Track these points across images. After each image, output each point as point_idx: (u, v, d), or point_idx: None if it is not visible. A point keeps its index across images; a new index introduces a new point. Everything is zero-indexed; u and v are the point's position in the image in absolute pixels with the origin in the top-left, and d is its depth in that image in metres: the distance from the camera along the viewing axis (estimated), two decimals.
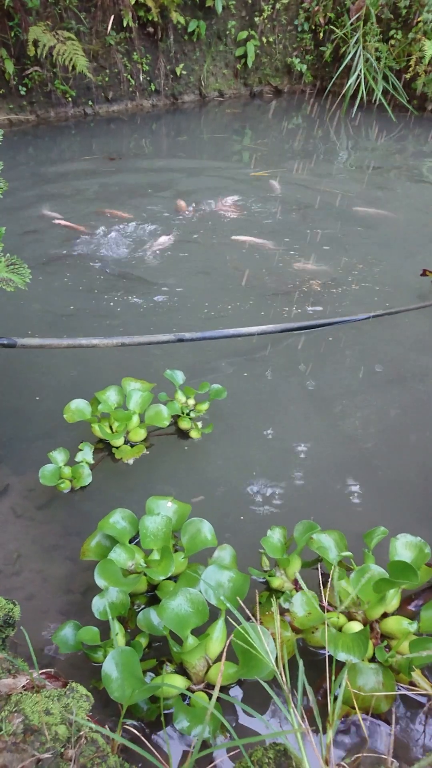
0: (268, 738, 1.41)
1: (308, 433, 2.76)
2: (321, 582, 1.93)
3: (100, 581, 1.81)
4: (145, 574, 1.92)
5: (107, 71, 8.51)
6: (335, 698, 1.24)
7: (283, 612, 1.88)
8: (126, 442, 2.68)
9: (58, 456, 2.44)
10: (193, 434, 2.73)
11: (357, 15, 8.77)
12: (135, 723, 1.62)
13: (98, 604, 1.77)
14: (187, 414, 2.77)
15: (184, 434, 2.75)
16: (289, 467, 2.58)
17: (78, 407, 2.56)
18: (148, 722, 1.63)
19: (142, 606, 1.95)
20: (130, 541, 2.03)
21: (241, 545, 2.09)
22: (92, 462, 2.51)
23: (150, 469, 2.55)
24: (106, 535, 2.02)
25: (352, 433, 2.77)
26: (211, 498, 2.42)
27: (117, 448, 2.63)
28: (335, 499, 2.42)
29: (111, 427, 2.65)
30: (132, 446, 2.66)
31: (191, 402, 2.84)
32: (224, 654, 1.39)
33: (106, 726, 1.41)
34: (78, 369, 3.17)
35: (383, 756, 1.25)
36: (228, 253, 4.48)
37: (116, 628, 1.70)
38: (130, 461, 2.59)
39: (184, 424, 2.75)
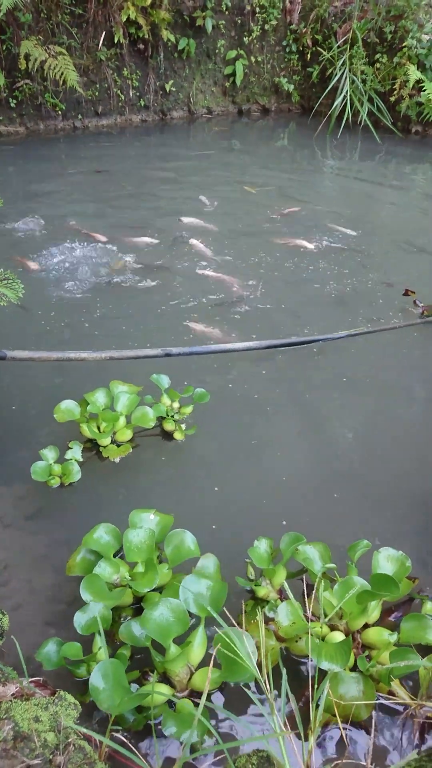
0: (253, 742, 1.45)
1: (291, 446, 2.82)
2: (305, 592, 1.97)
3: (85, 596, 1.83)
4: (130, 587, 1.95)
5: (97, 86, 8.61)
6: (317, 705, 1.28)
7: (267, 621, 1.92)
8: (113, 441, 2.78)
9: (49, 453, 2.52)
10: (177, 435, 2.83)
11: (344, 38, 8.99)
12: (121, 736, 1.64)
13: (80, 619, 1.79)
14: (172, 416, 2.87)
15: (168, 435, 2.86)
16: (269, 475, 2.65)
17: (68, 407, 2.66)
18: (135, 733, 1.66)
19: (129, 618, 1.97)
20: (115, 555, 2.05)
21: (221, 549, 2.15)
22: (81, 460, 2.60)
23: (135, 468, 2.67)
24: (90, 550, 2.05)
25: (336, 445, 2.84)
26: (192, 499, 2.51)
27: (104, 447, 2.73)
28: (315, 509, 2.48)
29: (99, 428, 2.74)
30: (118, 446, 2.75)
31: (176, 405, 2.93)
32: (207, 660, 1.42)
33: (93, 736, 1.43)
34: (64, 376, 3.20)
35: (362, 763, 1.29)
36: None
37: (100, 643, 1.72)
38: (117, 460, 2.69)
39: (168, 426, 2.86)
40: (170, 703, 1.72)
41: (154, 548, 2.02)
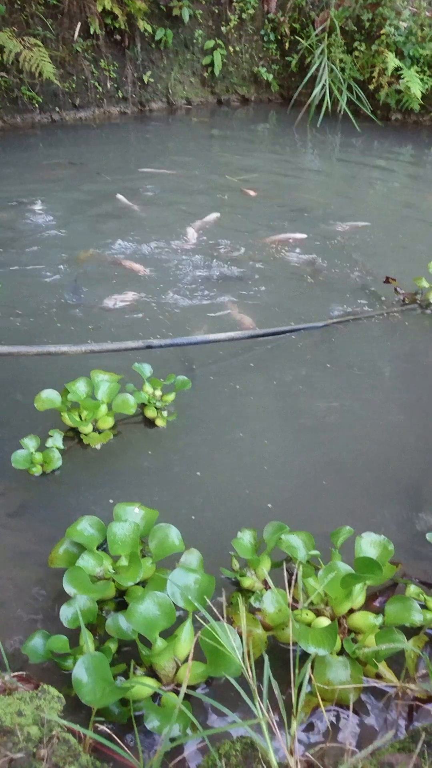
0: (234, 728, 1.45)
1: (273, 434, 2.82)
2: (290, 580, 1.97)
3: (69, 588, 1.82)
4: (113, 580, 1.94)
5: (74, 78, 8.51)
6: (299, 689, 1.28)
7: (254, 611, 1.92)
8: (94, 429, 2.80)
9: (30, 442, 2.53)
10: (159, 422, 2.86)
11: (322, 26, 8.96)
12: (106, 728, 1.63)
13: (66, 613, 1.78)
14: (153, 404, 2.89)
15: (150, 423, 2.88)
16: (251, 462, 2.67)
17: (48, 396, 2.66)
18: (120, 726, 1.65)
19: (111, 612, 1.96)
20: (98, 548, 2.04)
21: (203, 535, 2.20)
22: (62, 447, 2.61)
23: (117, 454, 2.69)
24: (74, 542, 2.03)
25: (318, 433, 2.84)
26: (173, 484, 2.54)
27: (86, 435, 2.75)
28: (298, 496, 2.49)
29: (80, 416, 2.75)
30: (100, 433, 2.78)
31: (158, 393, 2.95)
32: (191, 653, 1.41)
33: (76, 728, 1.43)
34: (52, 374, 3.17)
35: (347, 746, 1.29)
36: None
37: (86, 636, 1.71)
38: (98, 446, 2.72)
39: (150, 413, 2.88)
40: (157, 698, 1.71)
41: (138, 542, 2.01)
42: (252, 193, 5.95)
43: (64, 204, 5.49)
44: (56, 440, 2.60)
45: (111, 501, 2.41)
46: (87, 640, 1.71)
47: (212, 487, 2.53)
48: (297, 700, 1.25)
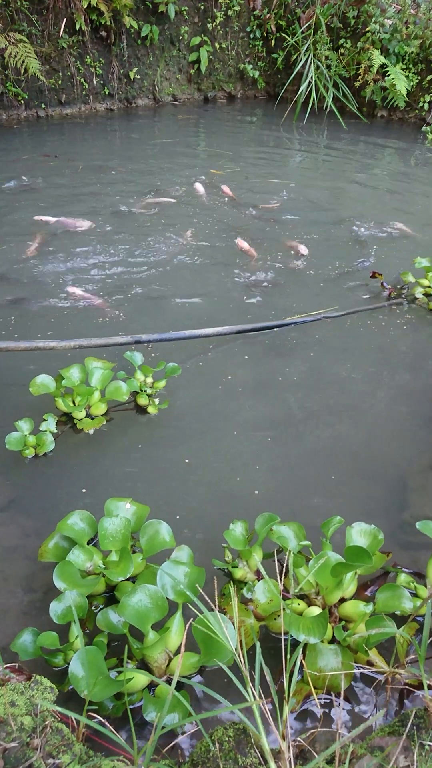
0: (227, 715, 1.46)
1: (262, 424, 2.84)
2: (282, 570, 1.98)
3: (58, 583, 1.82)
4: (103, 575, 1.94)
5: (60, 74, 8.46)
6: (290, 676, 1.29)
7: (246, 601, 1.93)
8: (87, 415, 2.86)
9: (24, 425, 2.59)
10: (150, 410, 2.91)
11: (307, 23, 8.97)
12: (100, 720, 1.63)
13: (56, 608, 1.78)
14: (145, 391, 2.94)
15: (142, 410, 2.94)
16: (240, 450, 2.70)
17: (43, 382, 2.72)
18: (113, 719, 1.65)
19: (101, 607, 1.96)
20: (89, 542, 2.04)
21: (191, 521, 2.25)
22: (55, 431, 2.67)
23: (108, 440, 2.75)
24: (64, 536, 2.03)
25: (307, 424, 2.86)
26: (162, 469, 2.60)
27: (79, 420, 2.81)
28: (287, 486, 2.51)
29: (74, 401, 2.81)
30: (92, 419, 2.83)
31: (149, 380, 3.00)
32: (183, 643, 1.42)
33: (71, 719, 1.43)
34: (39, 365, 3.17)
35: (338, 731, 1.30)
36: None
37: (77, 631, 1.71)
38: (91, 431, 2.79)
39: (142, 400, 2.94)
40: (152, 690, 1.72)
41: (129, 537, 2.01)
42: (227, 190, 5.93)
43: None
44: (50, 424, 2.67)
45: (101, 485, 2.46)
46: (80, 635, 1.71)
47: (202, 475, 2.56)
48: (288, 685, 1.26)
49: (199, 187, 5.90)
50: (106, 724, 1.29)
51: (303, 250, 4.63)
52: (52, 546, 2.02)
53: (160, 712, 1.50)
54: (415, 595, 1.95)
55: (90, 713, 1.38)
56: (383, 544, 1.97)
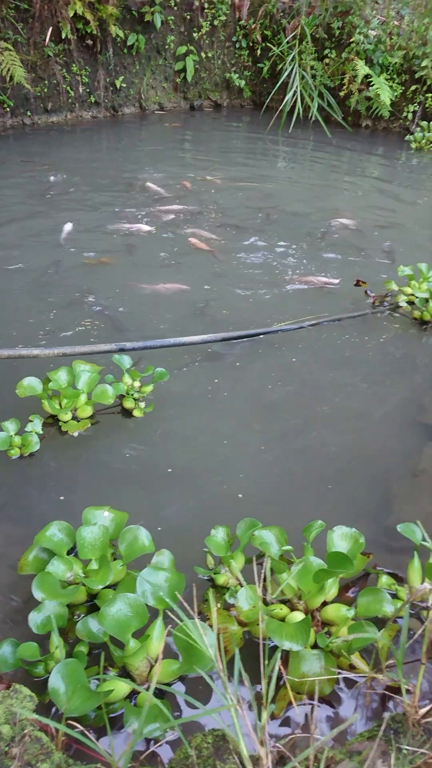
0: (207, 722, 1.45)
1: (246, 430, 2.86)
2: (263, 576, 1.98)
3: (37, 594, 1.80)
4: (83, 584, 1.93)
5: (46, 82, 8.47)
6: (269, 680, 1.29)
7: (229, 607, 1.93)
8: (73, 417, 2.87)
9: (10, 426, 2.62)
10: (136, 413, 2.93)
11: (293, 34, 9.07)
12: (80, 728, 1.62)
13: (35, 618, 1.76)
14: (132, 394, 2.96)
15: (128, 413, 2.95)
16: (225, 454, 2.71)
17: (30, 384, 2.74)
18: (93, 728, 1.64)
19: (83, 615, 1.95)
20: (69, 552, 2.03)
21: (174, 527, 2.27)
22: (41, 432, 2.69)
23: (93, 442, 2.77)
24: (43, 548, 2.02)
25: (290, 430, 2.87)
26: (147, 471, 2.62)
27: (65, 422, 2.84)
28: (270, 491, 2.53)
29: (60, 404, 2.82)
30: (78, 421, 2.85)
31: (137, 384, 3.02)
32: (161, 650, 1.41)
33: (51, 727, 1.42)
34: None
35: (316, 736, 1.31)
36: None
37: (56, 642, 1.70)
38: (76, 434, 2.81)
39: (128, 404, 2.95)
40: (132, 699, 1.71)
41: (107, 545, 1.99)
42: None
43: None
44: (36, 425, 2.69)
45: (84, 490, 2.49)
46: (59, 646, 1.70)
47: (185, 479, 2.57)
48: (266, 690, 1.26)
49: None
50: (85, 732, 1.28)
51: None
52: (31, 559, 2.01)
53: (145, 722, 1.49)
54: (395, 596, 1.96)
55: (70, 722, 1.37)
56: (365, 547, 1.98)
